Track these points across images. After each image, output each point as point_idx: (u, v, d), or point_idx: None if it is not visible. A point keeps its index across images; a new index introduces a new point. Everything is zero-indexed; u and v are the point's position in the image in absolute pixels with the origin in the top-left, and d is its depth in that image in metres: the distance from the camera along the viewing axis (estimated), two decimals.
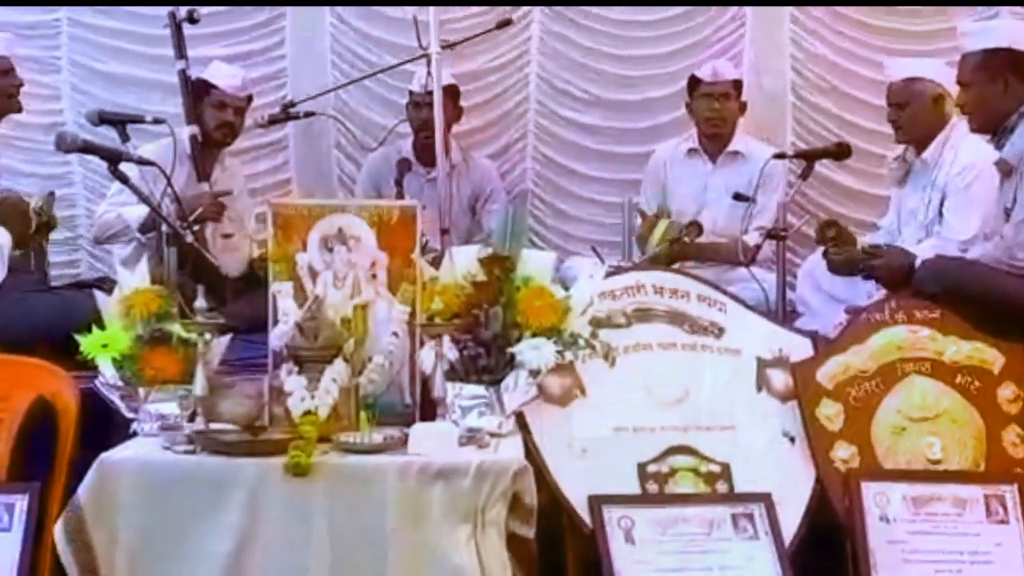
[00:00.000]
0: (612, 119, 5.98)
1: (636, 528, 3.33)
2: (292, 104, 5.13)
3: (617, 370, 3.56)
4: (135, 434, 3.33)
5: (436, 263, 3.70)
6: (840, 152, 4.84)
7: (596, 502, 3.35)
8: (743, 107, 5.52)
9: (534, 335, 3.36)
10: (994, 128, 4.21)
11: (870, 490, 3.47)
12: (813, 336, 3.92)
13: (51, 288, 4.52)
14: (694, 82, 5.47)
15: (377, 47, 5.88)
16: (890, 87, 4.76)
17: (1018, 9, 5.63)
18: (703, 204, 5.41)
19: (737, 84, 5.50)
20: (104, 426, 3.40)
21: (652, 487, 3.47)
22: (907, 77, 4.70)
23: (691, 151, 5.54)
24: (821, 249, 4.60)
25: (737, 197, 4.88)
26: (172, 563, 3.04)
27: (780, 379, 3.68)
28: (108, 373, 3.40)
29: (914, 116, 4.67)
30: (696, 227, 4.99)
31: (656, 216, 5.25)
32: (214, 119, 5.06)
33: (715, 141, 5.48)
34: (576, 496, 3.38)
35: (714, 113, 5.43)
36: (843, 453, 3.57)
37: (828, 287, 4.80)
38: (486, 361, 3.37)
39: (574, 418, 3.52)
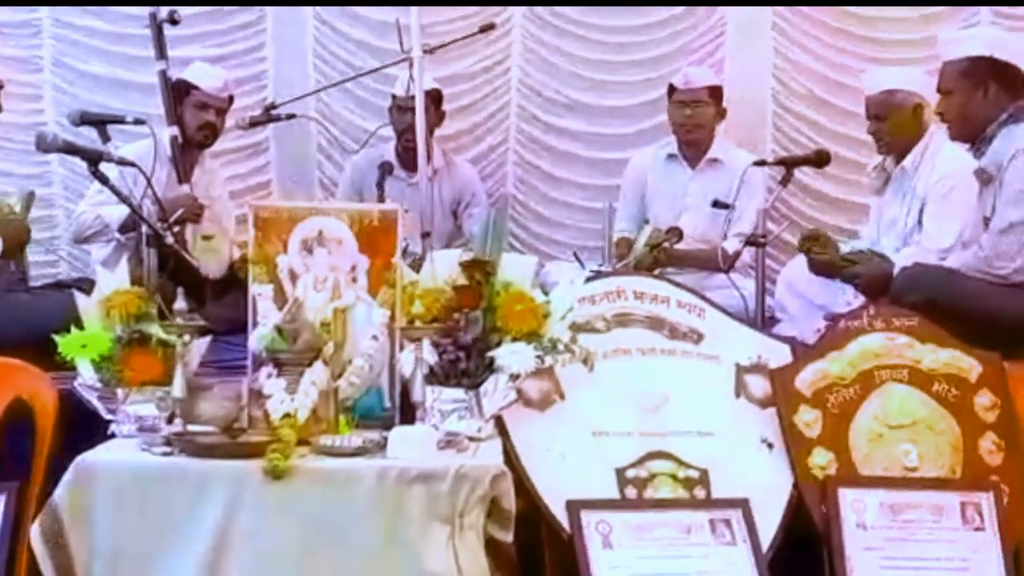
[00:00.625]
0: (593, 124, 6.00)
1: (614, 533, 3.32)
2: (273, 106, 5.09)
3: (596, 375, 3.56)
4: (113, 435, 3.31)
5: (417, 267, 3.69)
6: (820, 159, 4.83)
7: (574, 506, 3.34)
8: (722, 113, 5.50)
9: (514, 339, 3.36)
10: (974, 136, 4.22)
11: (847, 497, 3.47)
12: (792, 342, 3.93)
13: (30, 288, 4.50)
14: (671, 89, 5.47)
15: (359, 50, 5.89)
16: (868, 100, 4.74)
17: (998, 17, 5.67)
18: (683, 210, 5.39)
19: (714, 91, 5.46)
20: (82, 427, 3.38)
21: (630, 492, 3.46)
22: (886, 89, 4.68)
23: (670, 157, 5.53)
24: (801, 254, 4.60)
25: (717, 204, 4.88)
26: (149, 565, 3.02)
27: (759, 385, 3.69)
28: (87, 374, 3.39)
29: (895, 128, 4.65)
30: (676, 233, 4.99)
31: (630, 239, 5.26)
32: (195, 120, 5.04)
33: (693, 147, 5.47)
34: (554, 500, 3.37)
35: (686, 120, 5.40)
36: (820, 460, 3.57)
37: (807, 293, 4.80)
38: (466, 365, 3.37)
39: (553, 422, 3.51)
